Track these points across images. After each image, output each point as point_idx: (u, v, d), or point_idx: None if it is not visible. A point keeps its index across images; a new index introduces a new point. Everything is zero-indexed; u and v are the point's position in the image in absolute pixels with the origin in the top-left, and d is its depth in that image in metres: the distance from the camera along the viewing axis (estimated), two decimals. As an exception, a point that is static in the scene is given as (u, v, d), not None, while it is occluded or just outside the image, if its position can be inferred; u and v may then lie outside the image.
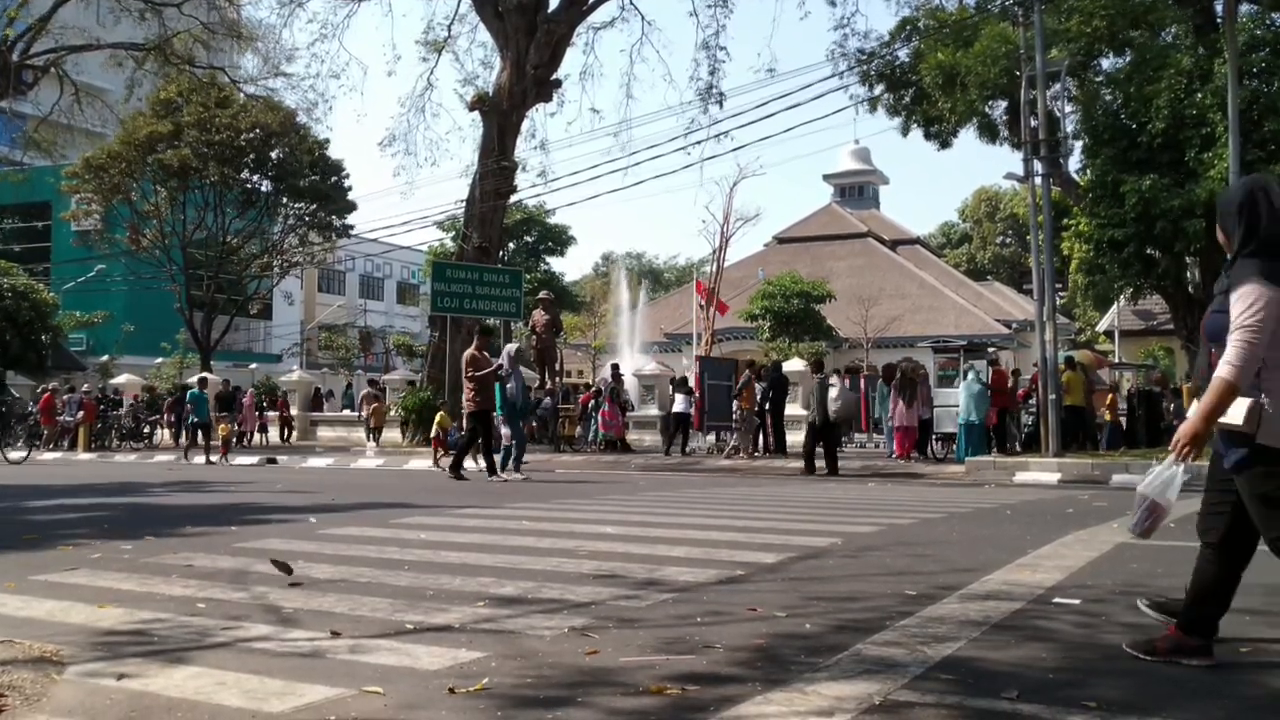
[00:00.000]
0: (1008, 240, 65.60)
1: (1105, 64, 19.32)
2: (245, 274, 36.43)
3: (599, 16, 24.77)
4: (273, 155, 33.00)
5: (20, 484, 11.72)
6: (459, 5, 24.55)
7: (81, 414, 23.96)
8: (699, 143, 26.49)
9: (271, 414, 27.17)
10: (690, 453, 19.26)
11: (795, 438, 17.53)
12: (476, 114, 22.51)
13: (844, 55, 21.41)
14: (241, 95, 30.48)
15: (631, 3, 30.98)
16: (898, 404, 16.03)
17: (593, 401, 21.06)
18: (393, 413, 22.64)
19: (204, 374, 21.82)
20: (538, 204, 37.35)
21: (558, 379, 23.94)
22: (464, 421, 16.08)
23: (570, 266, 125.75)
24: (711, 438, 20.55)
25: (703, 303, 35.00)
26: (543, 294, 23.24)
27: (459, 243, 25.09)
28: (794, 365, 21.88)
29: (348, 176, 34.89)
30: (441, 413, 17.09)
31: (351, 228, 36.18)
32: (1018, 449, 16.59)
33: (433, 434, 16.76)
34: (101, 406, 25.57)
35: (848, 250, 46.33)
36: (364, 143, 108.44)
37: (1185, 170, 15.71)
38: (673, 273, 77.72)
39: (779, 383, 18.21)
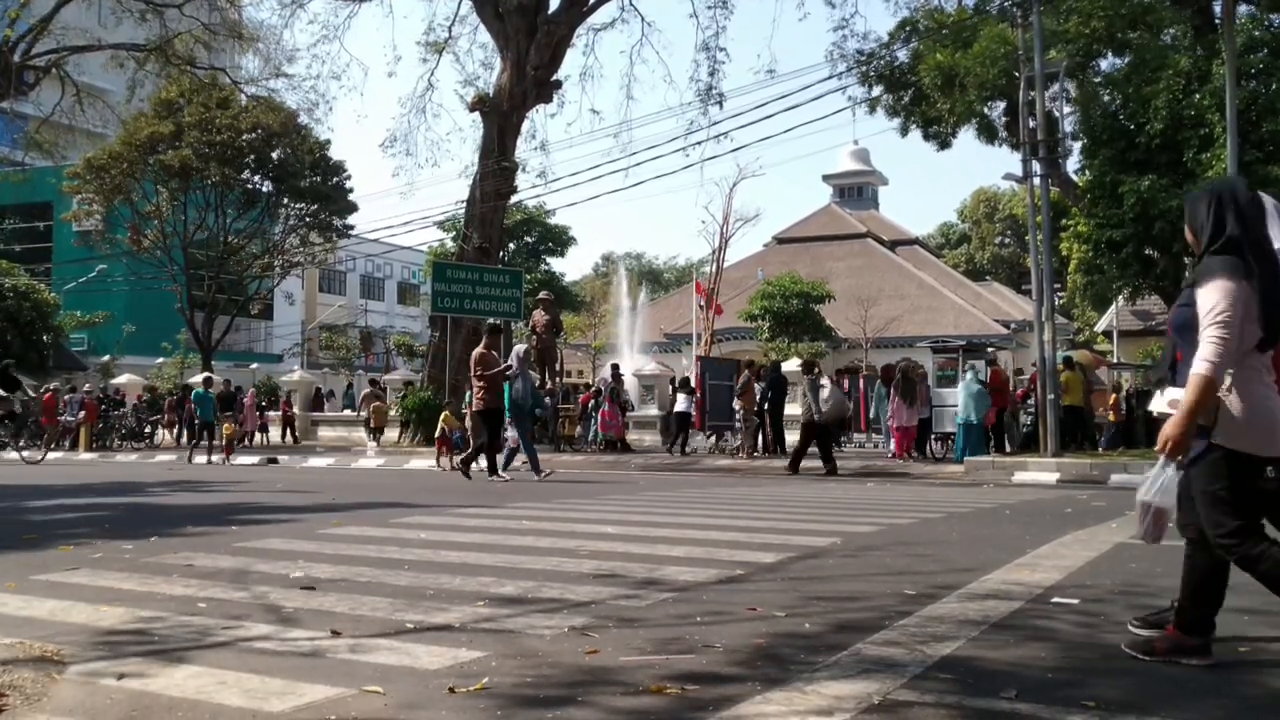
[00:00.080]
0: (1006, 241, 65.62)
1: (1104, 65, 19.36)
2: (246, 274, 36.45)
3: (599, 18, 24.83)
4: (274, 156, 33.03)
5: (21, 484, 11.72)
6: (459, 6, 24.59)
7: (83, 414, 23.98)
8: (699, 143, 26.56)
9: (275, 414, 27.17)
10: (692, 452, 19.28)
11: (795, 437, 17.55)
12: (477, 115, 22.52)
13: (843, 56, 21.44)
14: (243, 96, 30.51)
15: (632, 4, 31.00)
16: (898, 404, 16.04)
17: (593, 401, 21.07)
18: (393, 413, 22.64)
19: (208, 374, 21.85)
20: (538, 204, 37.39)
21: (558, 379, 23.94)
22: (469, 420, 16.11)
23: (570, 267, 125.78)
24: (712, 438, 20.56)
25: (702, 303, 35.03)
26: (543, 294, 23.23)
27: (459, 243, 25.10)
28: (793, 365, 21.86)
29: (349, 178, 34.92)
30: (446, 412, 17.07)
31: (352, 228, 36.20)
32: (1008, 449, 16.60)
33: (437, 434, 16.73)
34: (103, 406, 25.59)
35: (847, 251, 46.35)
36: (365, 143, 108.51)
37: (1184, 171, 15.72)
38: (673, 273, 77.72)
39: (778, 383, 18.23)
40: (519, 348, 13.45)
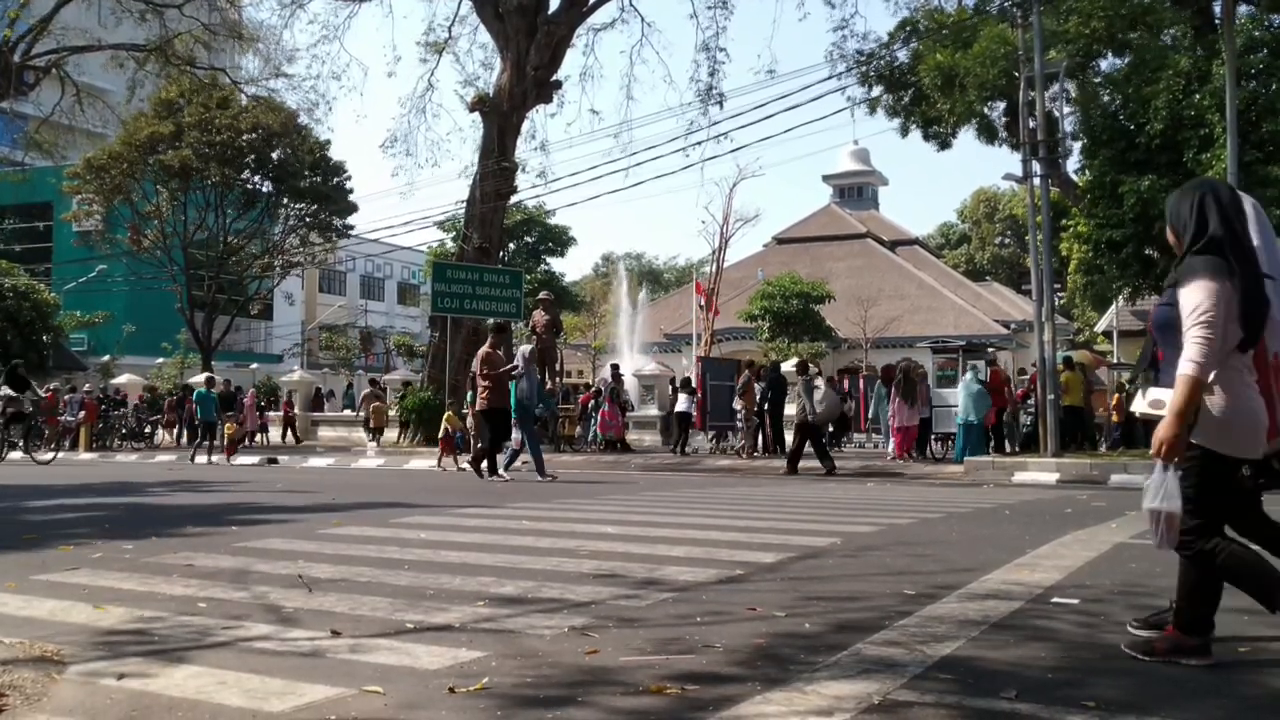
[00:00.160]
0: (1006, 241, 65.66)
1: (1104, 65, 19.37)
2: (246, 274, 36.46)
3: (599, 18, 24.84)
4: (273, 156, 33.05)
5: (21, 484, 11.72)
6: (459, 6, 24.60)
7: (83, 414, 23.99)
8: (699, 144, 26.56)
9: (276, 414, 27.16)
10: (694, 452, 19.31)
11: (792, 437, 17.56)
12: (477, 115, 22.52)
13: (843, 57, 21.45)
14: (243, 97, 30.53)
15: (632, 4, 31.01)
16: (900, 404, 16.05)
17: (593, 402, 21.09)
18: (392, 413, 22.65)
19: (210, 374, 21.89)
20: (538, 204, 37.40)
21: (558, 379, 23.95)
22: (470, 420, 16.11)
23: (570, 267, 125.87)
24: (713, 438, 20.57)
25: (702, 303, 35.05)
26: (543, 294, 23.24)
27: (459, 243, 25.10)
28: (793, 365, 21.90)
29: (349, 178, 34.94)
30: (449, 412, 17.04)
31: (352, 228, 36.22)
32: (1009, 449, 16.60)
33: (441, 434, 16.69)
34: (103, 407, 25.59)
35: (847, 251, 46.37)
36: (365, 143, 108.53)
37: (1184, 171, 15.72)
38: (672, 273, 77.75)
39: (778, 383, 18.24)
40: (525, 348, 13.40)
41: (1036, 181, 15.69)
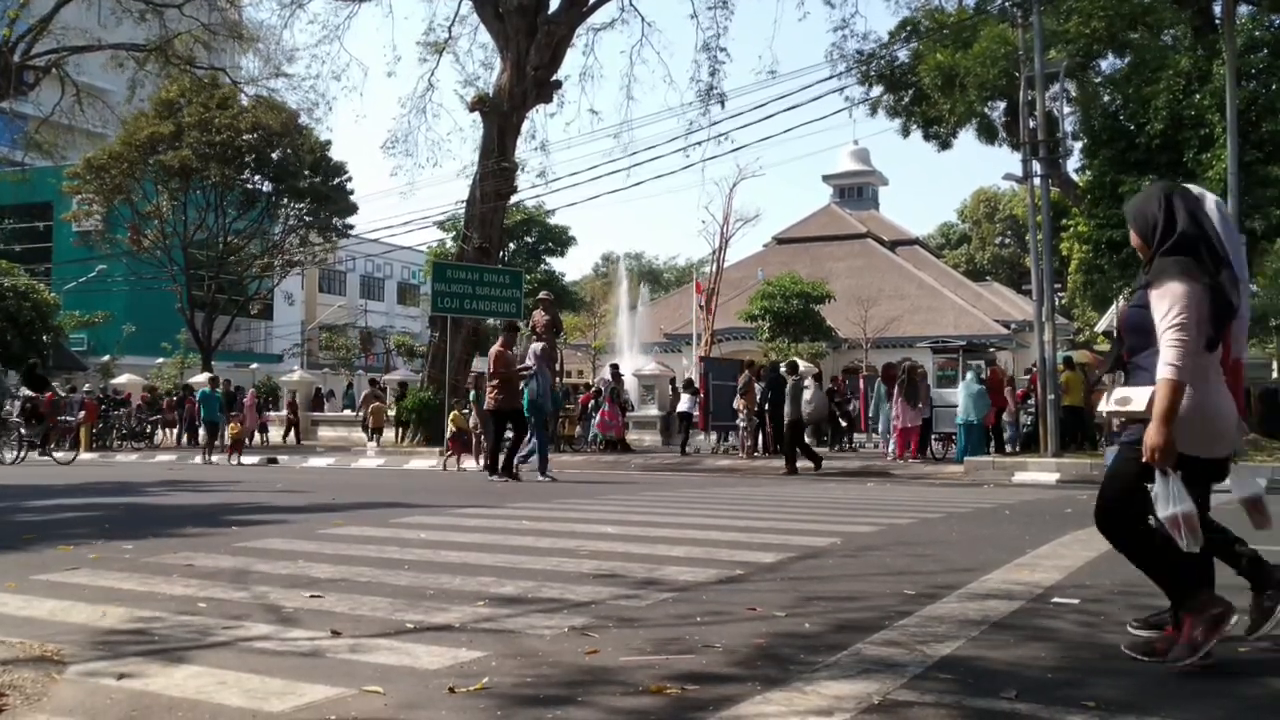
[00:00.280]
0: (1006, 241, 65.66)
1: (1104, 65, 19.38)
2: (246, 274, 36.47)
3: (599, 18, 24.80)
4: (273, 156, 33.06)
5: (21, 484, 11.72)
6: (459, 6, 24.58)
7: (83, 414, 23.98)
8: (699, 144, 26.55)
9: (278, 414, 27.14)
10: (695, 452, 19.33)
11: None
12: (477, 115, 22.51)
13: (843, 57, 21.43)
14: (243, 97, 30.54)
15: (632, 4, 30.98)
16: (903, 405, 16.06)
17: (593, 402, 21.09)
18: (391, 413, 22.63)
19: (214, 375, 21.95)
20: (537, 204, 37.39)
21: (558, 379, 23.95)
22: (474, 418, 16.08)
23: (570, 267, 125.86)
24: (714, 437, 20.59)
25: (702, 303, 35.04)
26: (543, 294, 23.15)
27: (459, 243, 25.09)
28: (798, 366, 21.90)
29: (350, 179, 34.94)
30: (455, 412, 17.00)
31: (352, 228, 36.22)
32: (1007, 450, 16.61)
33: (449, 435, 16.65)
34: (103, 407, 25.59)
35: (847, 251, 46.36)
36: (365, 143, 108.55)
37: (1184, 171, 15.73)
38: (672, 273, 77.75)
39: (777, 383, 18.23)
40: (536, 346, 13.31)
41: (1036, 181, 15.70)
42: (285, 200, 34.41)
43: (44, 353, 29.25)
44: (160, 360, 36.34)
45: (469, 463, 16.00)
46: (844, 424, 20.65)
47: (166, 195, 32.63)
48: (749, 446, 18.05)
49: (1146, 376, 3.08)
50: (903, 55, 20.71)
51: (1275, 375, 42.71)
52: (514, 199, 25.60)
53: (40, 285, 30.99)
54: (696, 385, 20.44)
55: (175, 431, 26.11)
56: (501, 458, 12.56)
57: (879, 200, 56.98)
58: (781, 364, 21.24)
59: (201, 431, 21.36)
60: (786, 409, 14.55)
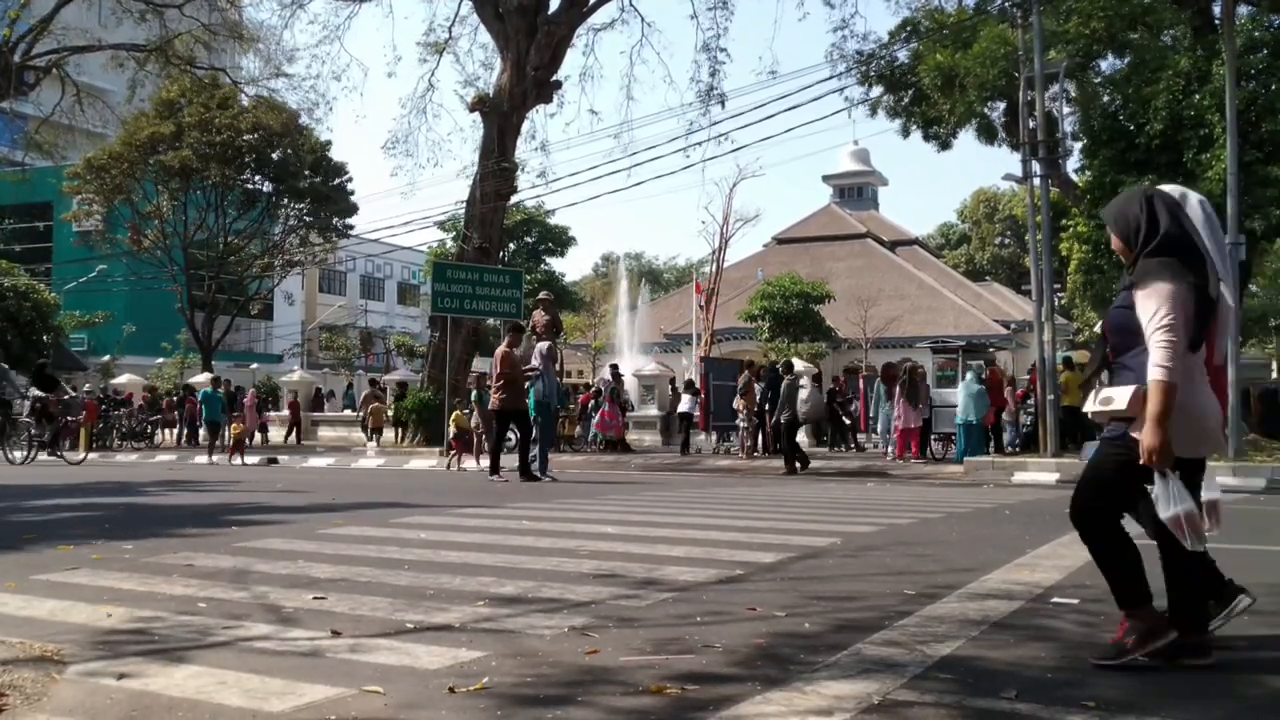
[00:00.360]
0: (1006, 241, 65.66)
1: (1104, 65, 19.38)
2: (246, 274, 36.47)
3: (599, 18, 24.82)
4: (273, 156, 33.06)
5: (20, 484, 11.72)
6: (459, 6, 24.58)
7: (83, 414, 23.96)
8: (699, 144, 26.57)
9: (278, 414, 27.12)
10: (696, 452, 19.35)
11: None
12: (477, 115, 22.51)
13: (843, 57, 21.43)
14: (243, 97, 30.55)
15: (632, 4, 31.00)
16: (904, 405, 16.07)
17: (592, 402, 21.10)
18: (390, 413, 22.63)
19: (216, 375, 21.99)
20: (537, 204, 37.41)
21: (558, 379, 23.94)
22: (475, 418, 16.08)
23: (570, 267, 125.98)
24: (713, 437, 20.60)
25: (702, 303, 35.04)
26: (543, 294, 23.21)
27: (459, 243, 25.09)
28: (796, 366, 21.91)
29: (350, 179, 34.94)
30: (457, 412, 16.99)
31: (352, 228, 36.23)
32: (1007, 449, 16.61)
33: (452, 435, 16.64)
34: (103, 407, 25.58)
35: (847, 251, 46.36)
36: (365, 143, 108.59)
37: (1183, 171, 15.73)
38: (672, 273, 77.76)
39: (777, 383, 18.25)
40: (542, 345, 13.27)
41: (1036, 181, 15.69)
42: (285, 200, 34.42)
43: (44, 352, 29.25)
44: (160, 360, 36.34)
45: (469, 463, 16.01)
46: (847, 423, 20.62)
47: (166, 195, 32.64)
48: (749, 447, 18.05)
49: (1131, 376, 3.11)
50: (903, 55, 20.72)
51: (1275, 375, 42.72)
52: (514, 199, 25.60)
53: (40, 285, 31.00)
54: (697, 385, 20.45)
55: (175, 431, 26.10)
56: (515, 461, 12.50)
57: (879, 200, 57.00)
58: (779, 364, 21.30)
59: (202, 432, 21.38)
60: (785, 409, 14.56)
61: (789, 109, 21.00)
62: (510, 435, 13.88)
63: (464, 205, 23.01)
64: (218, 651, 3.23)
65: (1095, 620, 3.81)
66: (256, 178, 34.11)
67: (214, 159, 30.82)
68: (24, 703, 2.66)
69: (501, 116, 21.81)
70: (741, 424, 18.41)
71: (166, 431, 26.65)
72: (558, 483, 11.93)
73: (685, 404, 19.92)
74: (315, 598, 4.14)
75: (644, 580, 4.61)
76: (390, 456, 18.79)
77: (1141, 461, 2.99)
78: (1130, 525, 3.32)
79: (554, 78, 22.92)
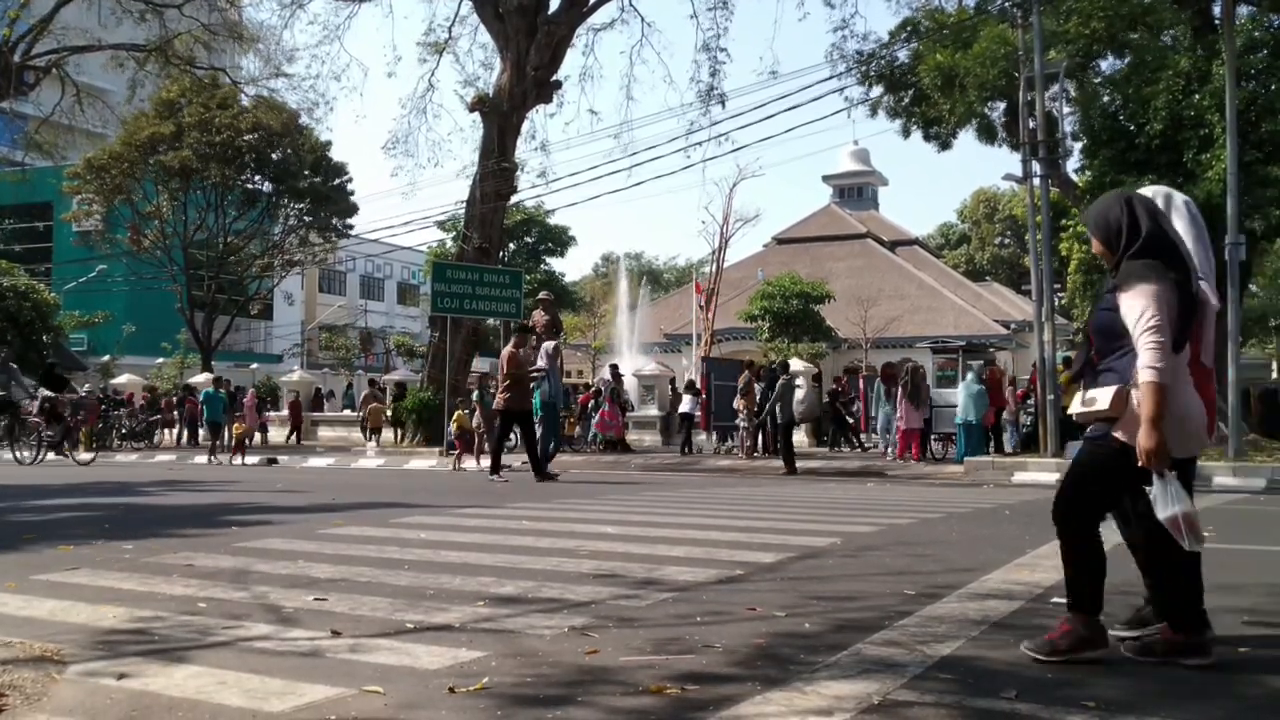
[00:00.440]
0: (1006, 241, 65.64)
1: (1104, 65, 19.35)
2: (246, 274, 36.47)
3: (599, 18, 24.82)
4: (273, 156, 33.07)
5: (20, 484, 11.72)
6: (459, 6, 24.57)
7: (83, 414, 23.96)
8: (699, 144, 26.54)
9: (278, 414, 27.11)
10: (698, 452, 19.36)
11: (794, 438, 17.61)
12: (477, 115, 22.51)
13: (843, 57, 21.42)
14: (244, 97, 30.56)
15: (632, 4, 30.99)
16: (907, 405, 16.08)
17: (592, 402, 21.10)
18: (389, 413, 22.63)
19: (219, 375, 22.00)
20: (537, 204, 37.41)
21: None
22: (476, 418, 16.09)
23: (570, 267, 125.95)
24: (714, 437, 20.60)
25: (702, 303, 35.04)
26: (542, 294, 23.22)
27: (459, 243, 25.09)
28: (794, 365, 21.92)
29: (350, 180, 34.93)
30: (460, 412, 17.00)
31: (352, 228, 36.23)
32: (1007, 449, 16.61)
33: (454, 435, 16.63)
34: (103, 407, 25.57)
35: (847, 251, 46.34)
36: (365, 143, 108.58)
37: (1183, 171, 15.72)
38: (672, 273, 77.75)
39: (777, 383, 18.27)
40: (547, 345, 13.22)
41: (1036, 181, 15.69)
42: (285, 200, 34.42)
43: (44, 352, 29.25)
44: (160, 360, 36.35)
45: (469, 462, 16.03)
46: (850, 422, 20.61)
47: (166, 195, 32.64)
48: (748, 447, 18.06)
49: (1114, 378, 3.14)
50: (903, 55, 20.70)
51: (1275, 375, 42.73)
52: (514, 199, 25.60)
53: (40, 285, 31.00)
54: (698, 386, 20.45)
55: (175, 431, 26.08)
56: (516, 461, 12.50)
57: (879, 200, 56.97)
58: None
59: (202, 432, 21.35)
60: (777, 409, 14.57)
61: (789, 109, 21.02)
62: (510, 436, 13.88)
63: (464, 205, 23.01)
64: (218, 651, 3.24)
65: (1095, 620, 3.81)
66: (256, 178, 34.11)
67: (214, 159, 30.82)
68: (24, 703, 2.66)
69: (501, 116, 21.81)
70: (742, 424, 18.43)
71: (166, 431, 26.64)
72: (558, 482, 11.92)
73: (687, 404, 19.92)
74: (315, 598, 4.15)
75: (644, 580, 4.62)
76: (390, 456, 18.79)
77: (1140, 463, 3.00)
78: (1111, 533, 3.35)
79: (554, 78, 22.92)
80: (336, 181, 34.46)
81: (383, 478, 13.88)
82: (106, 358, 37.83)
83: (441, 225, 35.49)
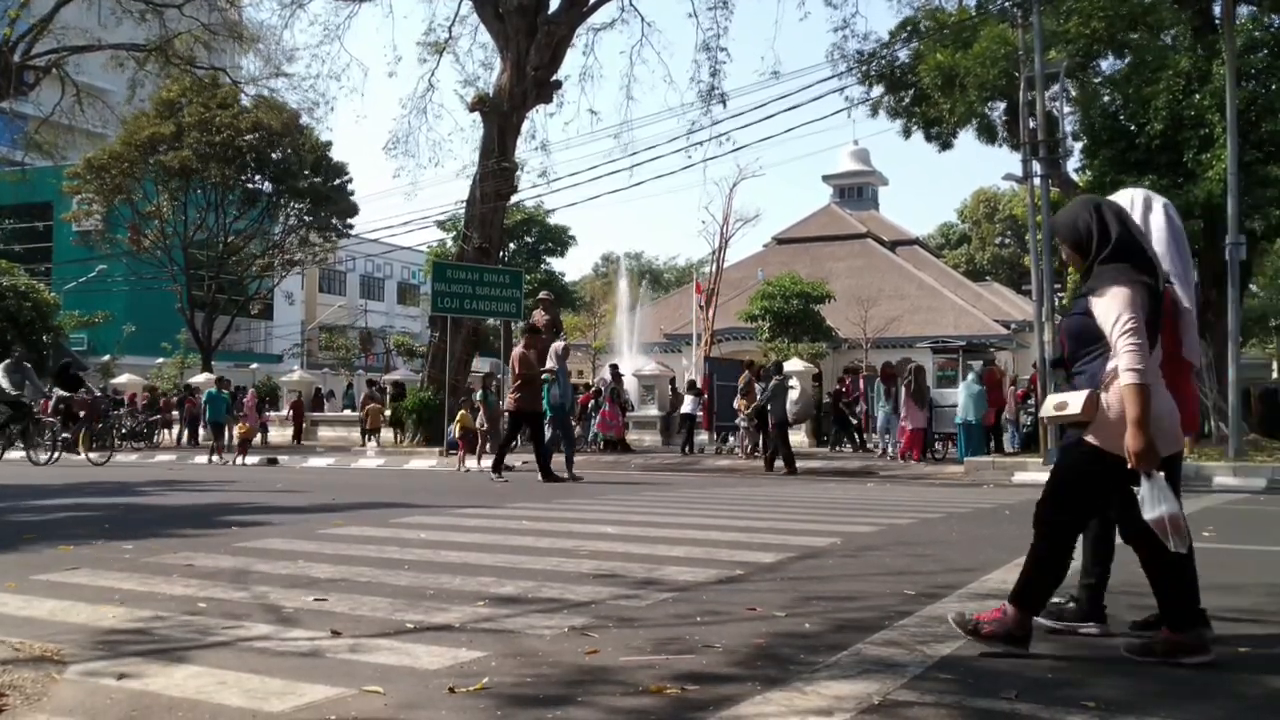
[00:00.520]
0: (1006, 241, 65.64)
1: (1104, 65, 19.35)
2: (246, 274, 36.47)
3: (599, 18, 24.80)
4: (274, 156, 33.06)
5: (20, 484, 11.72)
6: (459, 6, 24.57)
7: (83, 414, 23.94)
8: (699, 144, 26.52)
9: (277, 414, 27.11)
10: (699, 451, 19.36)
11: (793, 438, 17.60)
12: (477, 115, 22.51)
13: (844, 57, 21.42)
14: (244, 97, 30.55)
15: (632, 4, 31.00)
16: (910, 405, 16.09)
17: (592, 402, 21.10)
18: (387, 413, 22.63)
19: (221, 376, 22.01)
20: (537, 204, 37.40)
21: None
22: (480, 418, 16.08)
23: (570, 267, 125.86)
24: (715, 437, 20.60)
25: (702, 303, 35.05)
26: (543, 294, 23.23)
27: (459, 243, 25.09)
28: (793, 365, 21.92)
29: (350, 180, 34.92)
30: (463, 412, 17.00)
31: (352, 228, 36.22)
32: (1007, 449, 16.62)
33: (457, 435, 16.63)
34: (103, 407, 25.55)
35: (847, 251, 46.33)
36: (365, 143, 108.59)
37: (1184, 171, 15.72)
38: (672, 273, 77.74)
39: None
40: (557, 345, 13.17)
41: (1036, 181, 15.69)
42: (285, 200, 34.42)
43: (44, 352, 29.22)
44: (160, 360, 36.35)
45: (470, 462, 16.04)
46: (854, 423, 20.58)
47: (167, 195, 32.64)
48: (748, 447, 18.05)
49: (1086, 381, 3.17)
50: (903, 55, 20.71)
51: (1275, 375, 42.74)
52: (514, 199, 25.60)
53: (40, 285, 30.98)
54: (700, 386, 20.46)
55: (176, 431, 26.07)
56: (522, 462, 12.47)
57: (879, 200, 56.96)
58: (783, 364, 21.31)
59: (203, 432, 21.32)
60: (770, 409, 14.58)
61: (789, 109, 21.07)
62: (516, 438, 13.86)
63: (464, 205, 23.01)
64: (218, 651, 3.24)
65: (1095, 620, 3.81)
66: (257, 178, 34.10)
67: (214, 159, 30.81)
68: (24, 703, 2.66)
69: (501, 116, 21.82)
70: (742, 424, 18.43)
71: (166, 432, 26.63)
72: (561, 483, 11.88)
73: (688, 405, 19.92)
74: (315, 598, 4.15)
75: (644, 580, 4.62)
76: (390, 456, 18.79)
77: (1130, 465, 3.03)
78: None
79: (554, 78, 22.92)
80: (337, 181, 34.45)
81: (383, 478, 13.89)
82: (106, 358, 37.83)
83: (441, 225, 35.49)
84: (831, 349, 37.29)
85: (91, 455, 17.19)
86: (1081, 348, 3.21)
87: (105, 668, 3.01)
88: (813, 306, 36.20)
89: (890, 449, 17.66)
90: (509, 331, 27.95)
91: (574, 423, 21.35)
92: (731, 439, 20.05)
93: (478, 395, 16.90)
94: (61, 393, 16.92)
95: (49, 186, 34.20)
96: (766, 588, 4.50)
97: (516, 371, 12.22)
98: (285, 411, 26.86)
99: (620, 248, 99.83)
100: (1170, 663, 3.10)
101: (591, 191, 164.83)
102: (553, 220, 42.33)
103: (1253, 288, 33.97)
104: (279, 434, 26.44)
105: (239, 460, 18.02)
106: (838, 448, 20.08)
